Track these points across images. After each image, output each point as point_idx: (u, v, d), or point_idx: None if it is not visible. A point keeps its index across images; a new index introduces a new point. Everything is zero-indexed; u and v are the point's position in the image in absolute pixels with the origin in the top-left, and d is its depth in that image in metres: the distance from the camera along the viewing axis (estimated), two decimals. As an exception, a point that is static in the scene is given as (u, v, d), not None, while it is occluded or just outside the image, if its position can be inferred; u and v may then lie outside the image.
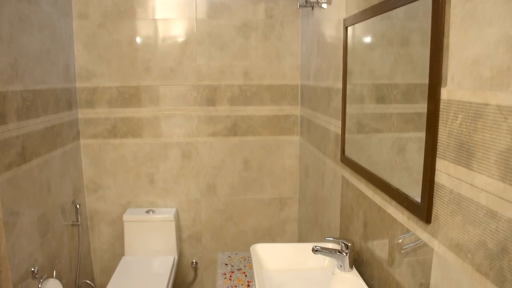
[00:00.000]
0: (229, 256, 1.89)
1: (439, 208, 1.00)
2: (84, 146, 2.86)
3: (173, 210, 2.92)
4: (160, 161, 2.92)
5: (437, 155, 1.00)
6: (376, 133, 1.43)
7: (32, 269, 2.07)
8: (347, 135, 1.74)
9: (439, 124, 0.98)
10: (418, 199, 1.08)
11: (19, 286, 1.94)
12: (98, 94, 2.79)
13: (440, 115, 0.98)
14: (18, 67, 1.97)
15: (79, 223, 2.73)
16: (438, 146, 0.99)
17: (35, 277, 2.09)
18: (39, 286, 2.10)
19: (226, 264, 1.80)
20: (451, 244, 0.95)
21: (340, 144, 1.85)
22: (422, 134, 1.05)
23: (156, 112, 2.84)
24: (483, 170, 0.82)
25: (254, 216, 3.06)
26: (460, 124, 0.90)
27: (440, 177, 0.99)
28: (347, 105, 1.72)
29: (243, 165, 2.97)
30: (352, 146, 1.68)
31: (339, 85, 1.86)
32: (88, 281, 2.84)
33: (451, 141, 0.93)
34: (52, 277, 2.27)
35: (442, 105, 0.97)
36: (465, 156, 0.88)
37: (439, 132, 0.99)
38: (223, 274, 1.72)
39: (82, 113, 2.81)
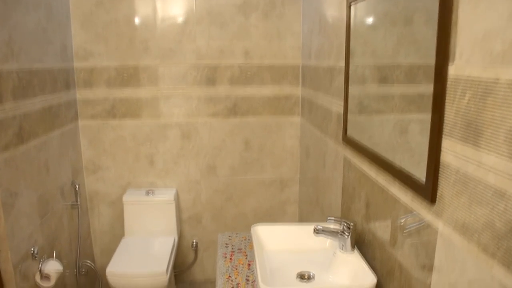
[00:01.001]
0: (229, 237, 1.88)
1: (445, 188, 0.97)
2: (82, 127, 2.83)
3: (173, 191, 2.90)
4: (160, 142, 2.89)
5: (443, 134, 0.97)
6: (379, 114, 1.40)
7: (32, 250, 2.06)
8: (349, 115, 1.71)
9: (446, 102, 0.95)
10: (422, 179, 1.06)
11: (19, 266, 1.94)
12: (96, 74, 2.75)
13: (447, 93, 0.95)
14: (13, 45, 1.93)
15: (79, 204, 2.72)
16: (444, 125, 0.96)
17: (35, 258, 2.08)
18: (39, 266, 2.10)
19: (226, 245, 1.79)
20: (456, 224, 0.93)
21: (342, 124, 1.82)
22: (426, 115, 1.03)
23: (155, 92, 2.81)
24: (492, 148, 0.80)
25: (254, 197, 3.05)
26: (468, 101, 0.87)
27: (446, 157, 0.96)
28: (350, 86, 1.69)
29: (243, 145, 2.94)
30: (354, 127, 1.65)
31: (342, 64, 1.82)
32: (89, 262, 2.84)
33: (458, 120, 0.91)
34: (52, 258, 2.26)
35: (449, 82, 0.94)
36: (473, 134, 0.86)
37: (445, 110, 0.96)
38: (223, 254, 1.71)
39: (80, 94, 2.77)
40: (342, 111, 1.83)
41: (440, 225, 1.00)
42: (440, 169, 0.99)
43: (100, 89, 2.77)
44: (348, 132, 1.72)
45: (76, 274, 2.69)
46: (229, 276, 1.53)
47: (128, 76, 2.77)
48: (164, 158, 2.92)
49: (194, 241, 3.11)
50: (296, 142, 2.97)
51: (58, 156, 2.45)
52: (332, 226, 1.60)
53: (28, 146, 2.06)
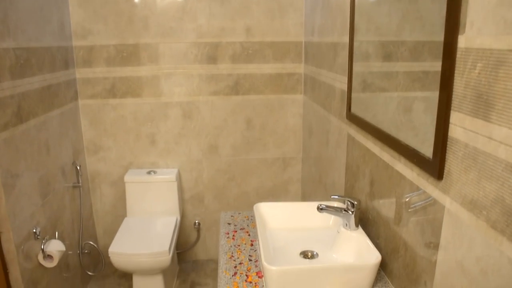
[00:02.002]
0: (232, 216, 1.86)
1: (452, 163, 0.95)
2: (82, 107, 2.80)
3: (175, 170, 2.89)
4: (161, 121, 2.87)
5: (452, 107, 0.94)
6: (383, 92, 1.37)
7: (34, 230, 2.06)
8: (353, 93, 1.67)
9: (455, 75, 0.92)
10: (429, 155, 1.03)
11: (22, 247, 1.93)
12: (95, 53, 2.71)
13: (456, 65, 0.92)
14: (9, 23, 1.89)
15: (80, 184, 2.70)
16: (453, 98, 0.93)
17: (37, 238, 2.08)
18: (42, 247, 2.09)
19: (229, 224, 1.78)
20: (464, 201, 0.90)
21: (346, 101, 1.79)
22: (433, 91, 1.00)
23: (156, 71, 2.77)
24: (504, 121, 0.77)
25: (257, 176, 3.03)
26: (479, 73, 0.84)
27: (455, 131, 0.93)
28: (354, 62, 1.65)
29: (245, 124, 2.91)
30: (358, 105, 1.62)
31: (346, 39, 1.78)
32: (91, 242, 2.84)
33: (468, 93, 0.87)
34: (55, 238, 2.26)
35: (459, 54, 0.91)
36: (483, 107, 0.82)
37: (454, 83, 0.92)
38: (226, 233, 1.69)
39: (80, 73, 2.74)
40: (346, 88, 1.79)
41: (447, 202, 0.98)
42: (448, 144, 0.96)
43: (99, 68, 2.74)
44: (352, 110, 1.69)
45: (79, 254, 2.70)
46: (232, 255, 1.51)
47: (128, 55, 2.72)
48: (166, 137, 2.90)
49: (196, 221, 3.11)
50: (298, 121, 2.94)
51: (59, 136, 2.43)
52: (336, 204, 1.58)
53: (28, 126, 2.04)
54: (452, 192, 0.95)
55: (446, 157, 0.97)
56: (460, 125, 0.91)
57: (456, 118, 0.92)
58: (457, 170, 0.93)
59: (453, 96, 0.93)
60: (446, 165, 0.98)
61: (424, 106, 1.07)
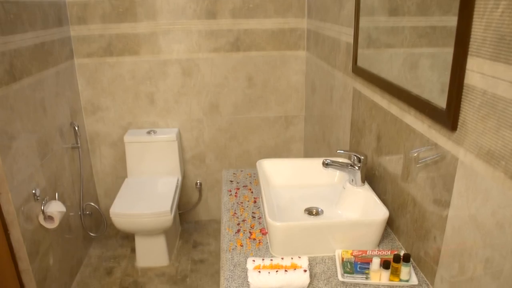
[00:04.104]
0: (234, 173, 1.82)
1: (468, 112, 0.89)
2: (79, 66, 2.72)
3: (175, 130, 2.84)
4: (160, 80, 2.79)
5: (469, 52, 0.87)
6: (393, 43, 1.29)
7: (34, 192, 2.03)
8: (359, 46, 1.59)
9: (474, 16, 0.85)
10: (442, 104, 0.97)
11: (22, 208, 1.91)
12: (90, 9, 2.60)
13: (475, 5, 0.84)
14: (-3, -26, 1.79)
15: (79, 145, 2.66)
16: (471, 42, 0.86)
17: (37, 199, 2.05)
18: (42, 208, 2.07)
19: (231, 181, 1.74)
20: (480, 151, 0.85)
21: (352, 54, 1.71)
22: (446, 42, 0.93)
23: (153, 27, 2.67)
24: (529, 63, 0.70)
25: (258, 135, 2.98)
26: (502, 12, 0.76)
27: (472, 78, 0.87)
28: (360, 13, 1.56)
29: (246, 82, 2.84)
30: (365, 59, 1.54)
31: (351, -12, 1.68)
32: (92, 204, 2.83)
33: (488, 35, 0.81)
34: (55, 199, 2.24)
35: (479, -8, 0.83)
36: (506, 50, 0.76)
37: (473, 26, 0.85)
38: (228, 190, 1.66)
39: (74, 30, 2.64)
40: (351, 40, 1.71)
41: (461, 153, 0.92)
42: (463, 92, 0.90)
43: (95, 25, 2.63)
44: (359, 62, 1.61)
45: (80, 216, 2.69)
46: (235, 212, 1.48)
47: (124, 10, 2.61)
48: (165, 96, 2.83)
49: (198, 181, 3.08)
50: (301, 78, 2.86)
51: (55, 96, 2.36)
52: (341, 160, 1.54)
53: (22, 85, 1.97)
54: (466, 143, 0.90)
55: (461, 106, 0.91)
56: (478, 71, 0.84)
57: (473, 63, 0.86)
58: (473, 120, 0.87)
59: (471, 39, 0.86)
60: (461, 114, 0.92)
61: (437, 56, 1.00)
